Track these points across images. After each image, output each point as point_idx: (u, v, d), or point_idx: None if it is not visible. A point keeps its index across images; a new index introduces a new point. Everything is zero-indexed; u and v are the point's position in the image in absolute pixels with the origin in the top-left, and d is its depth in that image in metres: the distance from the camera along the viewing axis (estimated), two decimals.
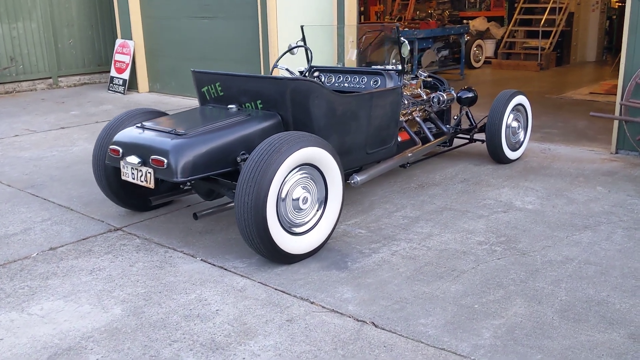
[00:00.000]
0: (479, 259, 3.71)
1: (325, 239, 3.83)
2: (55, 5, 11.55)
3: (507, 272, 3.52)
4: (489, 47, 14.06)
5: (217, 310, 3.17)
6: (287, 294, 3.33)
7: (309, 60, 5.51)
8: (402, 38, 4.84)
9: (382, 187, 5.14)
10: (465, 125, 5.96)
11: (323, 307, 3.18)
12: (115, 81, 11.00)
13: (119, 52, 11.03)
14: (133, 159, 3.76)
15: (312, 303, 3.23)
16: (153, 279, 3.54)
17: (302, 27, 5.46)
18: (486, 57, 13.74)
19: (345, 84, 5.26)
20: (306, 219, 3.75)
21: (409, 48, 4.86)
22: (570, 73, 12.61)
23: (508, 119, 5.60)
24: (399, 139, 5.12)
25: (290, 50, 5.36)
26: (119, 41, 11.11)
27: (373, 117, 4.56)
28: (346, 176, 4.44)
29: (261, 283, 3.46)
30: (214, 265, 3.72)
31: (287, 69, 5.24)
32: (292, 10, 8.39)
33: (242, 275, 3.56)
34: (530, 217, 4.38)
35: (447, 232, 4.15)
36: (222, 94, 4.40)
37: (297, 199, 3.64)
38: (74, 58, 12.01)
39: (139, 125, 4.03)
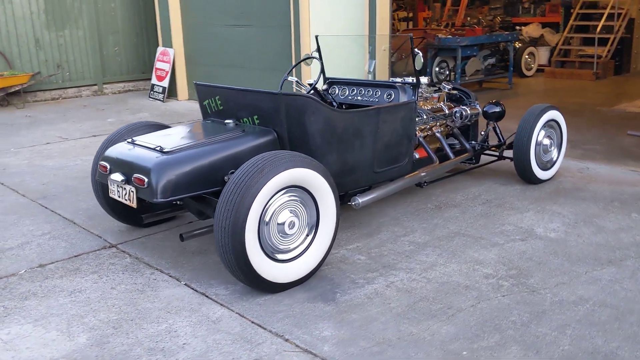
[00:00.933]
0: (482, 295, 3.37)
1: (316, 267, 3.58)
2: (101, 13, 11.73)
3: (509, 313, 3.16)
4: (542, 54, 13.40)
5: (184, 344, 2.96)
6: (262, 328, 3.09)
7: (323, 72, 5.26)
8: (415, 50, 4.51)
9: (395, 207, 4.83)
10: (494, 141, 5.57)
11: (297, 345, 2.93)
12: (156, 89, 11.07)
13: (159, 60, 11.10)
14: (117, 177, 3.61)
15: (286, 340, 2.97)
16: (130, 304, 3.37)
17: (316, 37, 5.22)
18: (539, 65, 13.10)
19: (359, 97, 4.98)
20: (293, 245, 3.50)
21: (422, 61, 4.53)
22: (628, 83, 11.84)
23: (538, 135, 5.18)
24: (417, 156, 4.81)
25: (304, 60, 5.14)
26: (160, 49, 11.17)
27: (381, 134, 4.27)
28: (352, 196, 4.18)
29: (239, 314, 3.23)
30: (196, 291, 3.52)
31: (297, 82, 5.00)
32: (325, 18, 8.16)
33: (221, 304, 3.34)
34: (550, 248, 3.98)
35: (453, 261, 3.81)
36: (221, 108, 4.22)
37: (283, 224, 3.39)
38: (118, 65, 12.17)
39: (129, 140, 3.88)
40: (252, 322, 3.15)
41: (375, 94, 4.85)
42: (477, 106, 5.34)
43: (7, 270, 3.86)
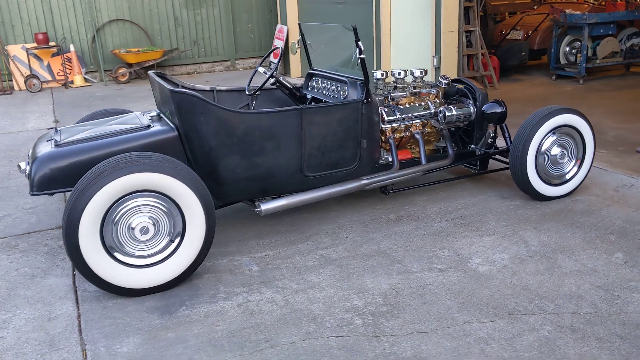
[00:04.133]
0: (317, 331, 2.97)
1: (180, 275, 3.43)
2: None
3: (319, 359, 2.75)
4: None
5: (1, 337, 3.09)
6: (80, 333, 3.10)
7: (309, 62, 4.94)
8: (359, 42, 3.99)
9: (355, 214, 4.42)
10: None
11: (86, 357, 2.88)
12: (272, 65, 11.32)
13: (276, 37, 11.32)
14: (23, 164, 3.81)
15: (83, 350, 2.94)
16: (9, 288, 3.58)
17: (299, 24, 4.89)
18: None
19: (324, 92, 4.60)
20: (151, 252, 3.40)
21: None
22: None
23: (543, 143, 4.32)
24: (389, 159, 4.36)
25: (273, 51, 4.86)
26: (278, 26, 11.37)
27: (309, 136, 3.92)
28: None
29: (78, 315, 3.27)
30: (73, 284, 3.62)
31: (264, 72, 4.74)
32: None
33: (75, 302, 3.41)
34: (460, 284, 3.35)
35: (336, 286, 3.41)
36: (159, 99, 4.21)
37: (134, 228, 3.32)
38: (251, 41, 12.67)
39: (56, 129, 4.07)
40: (78, 326, 3.16)
41: (337, 90, 4.43)
42: (470, 106, 4.59)
43: None
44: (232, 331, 3.03)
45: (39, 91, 10.71)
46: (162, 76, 4.41)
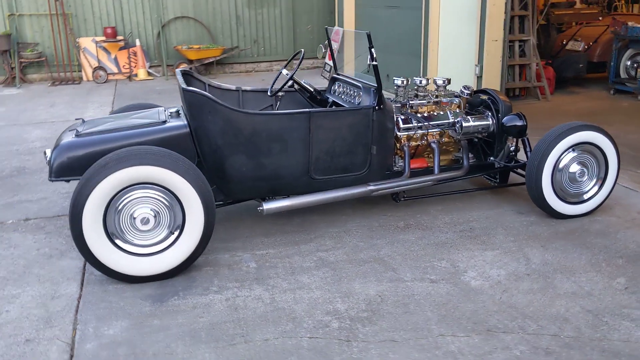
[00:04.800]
0: (290, 332, 3.04)
1: (177, 266, 3.58)
2: None
3: (282, 357, 2.82)
4: None
5: (6, 310, 3.33)
6: (76, 313, 3.29)
7: (335, 67, 5.00)
8: (372, 49, 4.02)
9: (364, 219, 4.45)
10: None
11: (74, 336, 3.07)
12: (326, 67, 11.42)
13: (332, 39, 11.39)
14: (48, 152, 4.06)
15: (73, 329, 3.13)
16: (25, 265, 3.84)
17: (326, 28, 4.96)
18: None
19: (342, 97, 4.65)
20: (151, 241, 3.56)
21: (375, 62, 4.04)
22: None
23: (561, 160, 4.20)
24: (403, 165, 4.37)
25: (296, 56, 4.93)
26: (335, 28, 11.45)
27: (316, 140, 3.98)
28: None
29: (78, 296, 3.47)
30: (84, 267, 3.83)
31: (287, 74, 4.81)
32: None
33: (80, 283, 3.62)
34: (447, 297, 3.33)
35: (325, 288, 3.46)
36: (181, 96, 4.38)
37: (135, 218, 3.49)
38: (310, 42, 12.81)
39: (82, 120, 4.31)
40: (76, 307, 3.36)
41: (353, 95, 4.47)
42: (489, 118, 4.51)
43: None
44: (214, 324, 3.14)
45: (104, 82, 11.25)
46: (189, 74, 4.59)
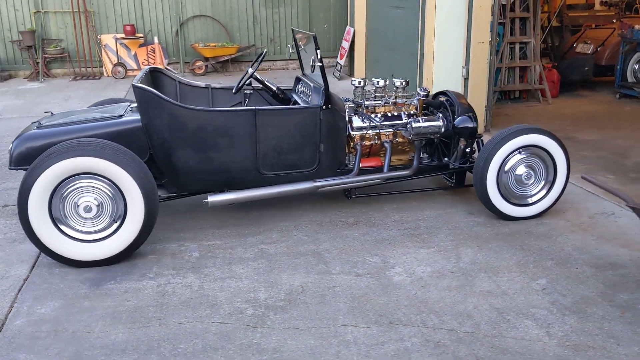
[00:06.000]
0: (205, 317, 3.22)
1: (119, 254, 3.79)
2: None
3: (175, 338, 3.00)
4: None
5: None
6: (18, 293, 3.54)
7: (301, 68, 5.15)
8: (318, 50, 4.15)
9: (317, 214, 4.59)
10: None
11: (9, 316, 3.31)
12: (337, 66, 11.55)
13: (344, 39, 11.52)
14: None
15: (11, 307, 3.38)
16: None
17: (292, 30, 5.10)
18: None
19: (302, 96, 4.79)
20: (95, 229, 3.78)
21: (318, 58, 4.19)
22: None
23: (507, 161, 4.25)
24: (358, 164, 4.49)
25: (261, 56, 5.06)
26: (347, 28, 11.57)
27: (263, 137, 4.15)
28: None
29: (26, 277, 3.72)
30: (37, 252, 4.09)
31: (252, 73, 4.98)
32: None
33: (31, 266, 3.86)
34: (364, 291, 3.45)
35: (253, 278, 3.63)
36: None
37: (78, 206, 3.72)
38: (326, 41, 12.95)
39: (52, 113, 4.58)
40: (20, 287, 3.61)
41: (308, 95, 4.61)
42: (440, 119, 4.57)
43: None
44: (137, 307, 3.34)
45: (122, 78, 11.65)
46: (159, 70, 4.82)
